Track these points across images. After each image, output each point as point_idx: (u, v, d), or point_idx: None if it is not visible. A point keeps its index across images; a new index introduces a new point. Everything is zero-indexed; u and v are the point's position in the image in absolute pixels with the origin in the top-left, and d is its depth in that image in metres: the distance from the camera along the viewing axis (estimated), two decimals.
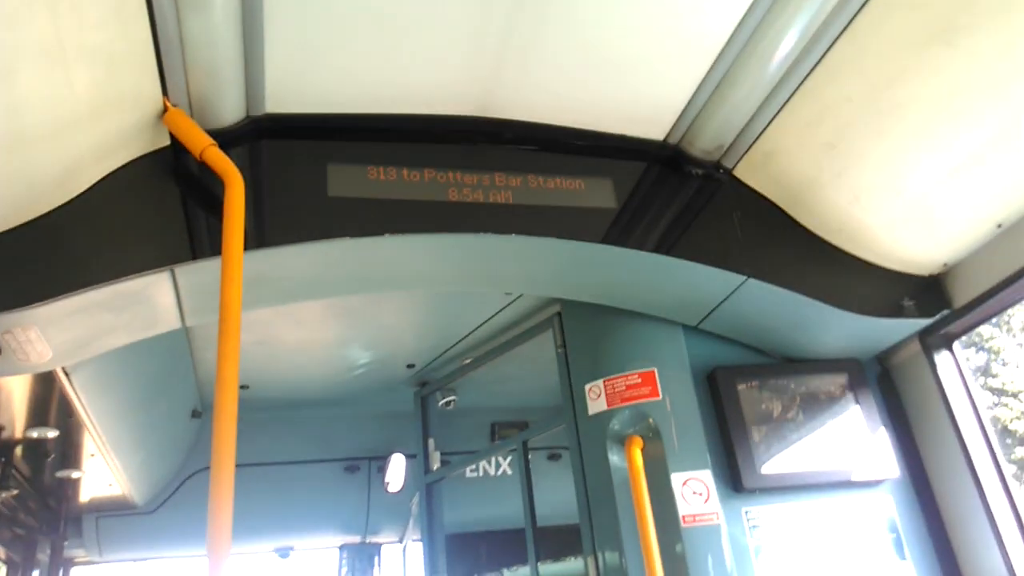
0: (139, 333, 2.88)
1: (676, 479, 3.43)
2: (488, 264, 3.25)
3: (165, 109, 2.61)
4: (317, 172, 2.93)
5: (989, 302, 3.29)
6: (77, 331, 2.64)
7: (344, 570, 6.10)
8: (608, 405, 3.67)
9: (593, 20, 2.72)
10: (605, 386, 3.71)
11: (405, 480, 5.68)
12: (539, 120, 3.21)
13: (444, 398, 5.33)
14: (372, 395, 5.59)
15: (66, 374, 3.11)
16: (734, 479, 3.48)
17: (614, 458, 3.59)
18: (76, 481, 4.71)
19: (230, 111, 2.79)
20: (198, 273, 2.67)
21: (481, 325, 4.63)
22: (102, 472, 4.52)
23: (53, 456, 4.31)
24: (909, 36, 2.65)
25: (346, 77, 2.88)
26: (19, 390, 3.44)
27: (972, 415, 3.47)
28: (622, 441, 3.57)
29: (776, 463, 3.53)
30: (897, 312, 3.47)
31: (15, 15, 1.87)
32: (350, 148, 3.03)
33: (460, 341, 4.84)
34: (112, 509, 5.31)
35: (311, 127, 2.99)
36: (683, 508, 3.37)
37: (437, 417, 5.30)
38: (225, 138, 2.75)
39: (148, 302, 2.73)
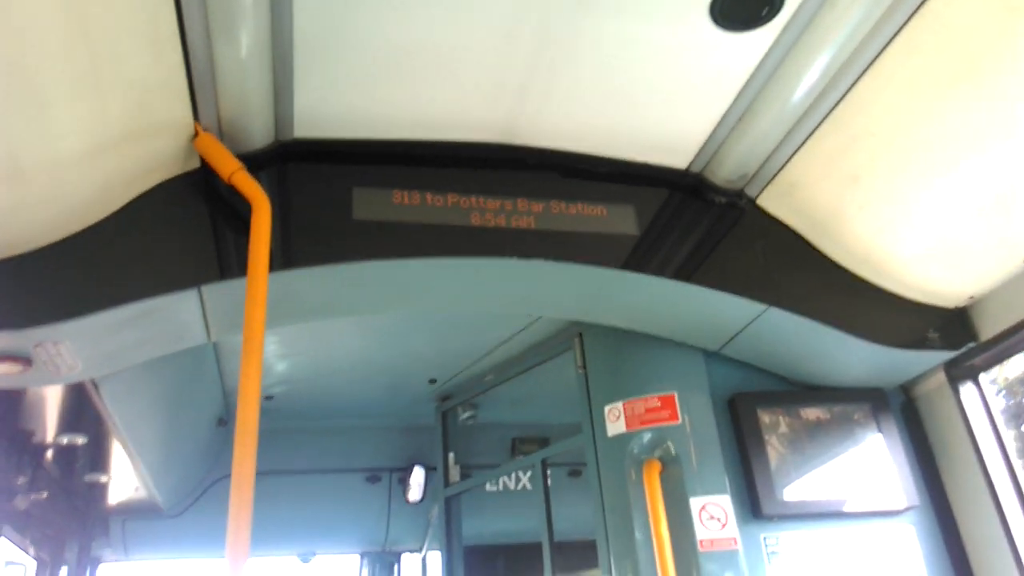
0: (166, 347, 2.95)
1: (694, 503, 3.42)
2: (510, 288, 3.28)
3: (196, 133, 2.68)
4: (342, 195, 2.98)
5: (1016, 336, 3.25)
6: (106, 345, 2.71)
7: None
8: (627, 427, 3.68)
9: (617, 54, 2.74)
10: (625, 408, 3.72)
11: (425, 491, 5.71)
12: (562, 147, 3.23)
13: (465, 413, 5.36)
14: (395, 408, 5.63)
15: (95, 385, 3.18)
16: (753, 505, 3.47)
17: (632, 480, 3.60)
18: (104, 485, 4.80)
19: (259, 136, 2.84)
20: (225, 292, 2.73)
21: (503, 344, 4.65)
22: (129, 477, 4.61)
23: (82, 461, 4.41)
24: (936, 74, 2.63)
25: (373, 104, 2.92)
26: (50, 398, 3.53)
27: (996, 447, 3.42)
28: (641, 463, 3.58)
29: (796, 490, 3.51)
30: (922, 343, 3.43)
31: (52, 48, 1.94)
32: (375, 172, 3.07)
33: (482, 358, 4.87)
34: (139, 512, 5.40)
35: (338, 151, 3.04)
36: (701, 533, 3.36)
37: (458, 430, 5.34)
38: (254, 161, 2.81)
39: (175, 319, 2.79)
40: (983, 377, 3.51)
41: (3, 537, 4.35)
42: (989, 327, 3.37)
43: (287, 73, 2.65)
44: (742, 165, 3.25)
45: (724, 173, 3.31)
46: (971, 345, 3.43)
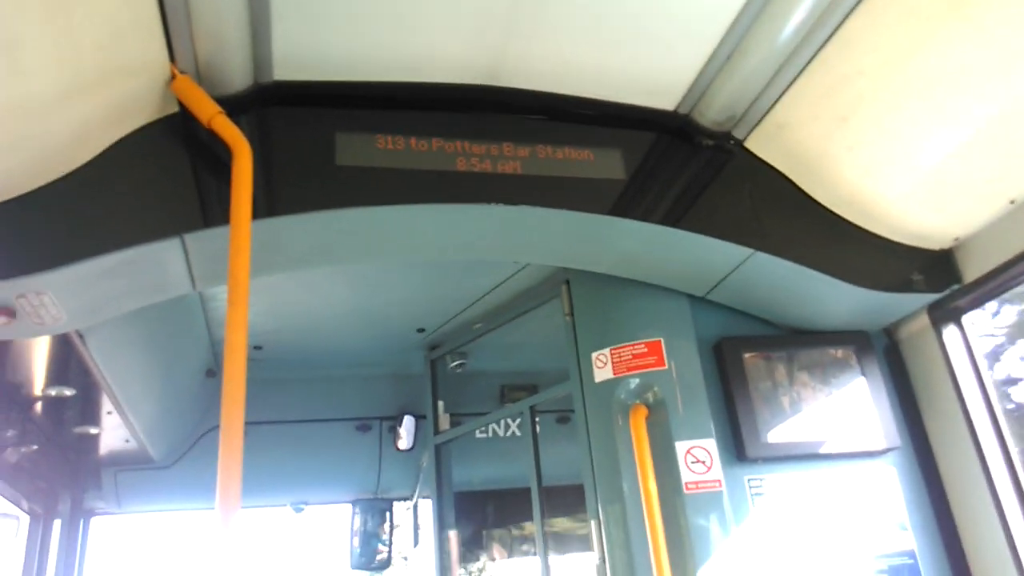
0: (150, 298, 2.92)
1: (680, 447, 3.46)
2: (496, 234, 3.25)
3: (173, 76, 2.62)
4: (325, 140, 2.92)
5: (1000, 277, 3.27)
6: (90, 295, 2.68)
7: (357, 524, 6.21)
8: (615, 373, 3.70)
9: None
10: (612, 355, 3.73)
11: (415, 440, 5.77)
12: (548, 89, 3.18)
13: (454, 361, 5.38)
14: (383, 357, 5.64)
15: (80, 336, 3.17)
16: (738, 448, 3.51)
17: (619, 425, 3.62)
18: (94, 437, 4.81)
19: (238, 78, 2.78)
20: (209, 240, 2.69)
21: (490, 291, 4.65)
22: (119, 429, 4.62)
23: (72, 412, 4.41)
24: (925, 9, 2.59)
25: (355, 44, 2.85)
26: (37, 350, 3.51)
27: (977, 388, 3.47)
28: (627, 409, 3.60)
29: (780, 432, 3.55)
30: (906, 286, 3.45)
31: None
32: (358, 116, 3.01)
33: (470, 307, 4.87)
34: (130, 463, 5.42)
35: (319, 95, 2.98)
36: (686, 476, 3.41)
37: (447, 379, 5.35)
38: (233, 105, 2.75)
39: (159, 268, 2.76)
40: (966, 319, 3.54)
41: None
42: (973, 269, 3.39)
43: (265, 11, 2.57)
44: (730, 106, 3.21)
45: (712, 115, 3.27)
46: (955, 287, 3.44)
